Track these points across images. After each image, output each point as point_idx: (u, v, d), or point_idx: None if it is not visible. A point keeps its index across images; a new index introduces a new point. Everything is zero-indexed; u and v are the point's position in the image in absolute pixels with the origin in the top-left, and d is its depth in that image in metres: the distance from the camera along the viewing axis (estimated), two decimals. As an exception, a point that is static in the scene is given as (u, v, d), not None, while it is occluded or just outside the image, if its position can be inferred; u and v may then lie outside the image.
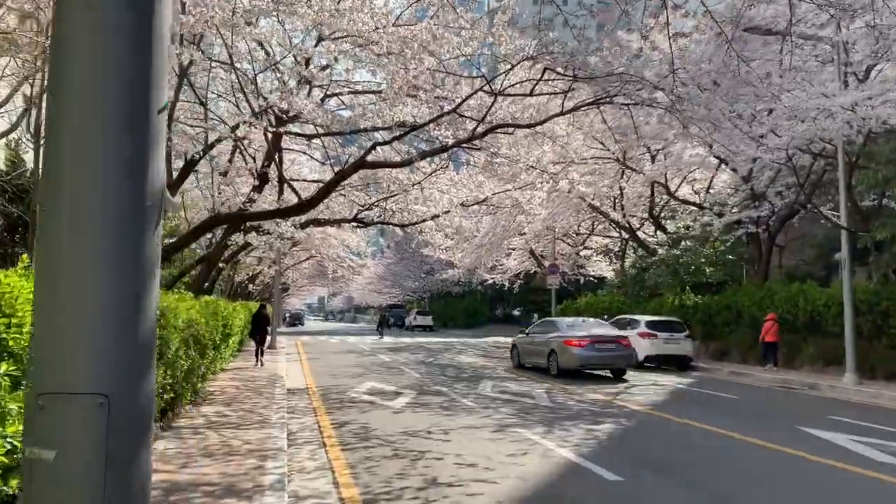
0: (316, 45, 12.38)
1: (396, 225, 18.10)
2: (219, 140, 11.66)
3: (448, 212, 17.15)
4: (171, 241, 12.04)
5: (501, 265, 47.06)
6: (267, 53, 10.82)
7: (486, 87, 10.40)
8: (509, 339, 43.73)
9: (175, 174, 11.31)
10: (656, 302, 31.67)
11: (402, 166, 12.16)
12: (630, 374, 21.64)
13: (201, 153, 11.04)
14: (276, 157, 13.29)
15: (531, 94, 10.59)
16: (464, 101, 10.94)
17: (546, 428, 11.30)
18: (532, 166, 13.43)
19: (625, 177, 27.07)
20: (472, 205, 18.31)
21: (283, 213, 12.77)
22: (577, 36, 8.51)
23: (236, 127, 10.89)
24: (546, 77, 10.25)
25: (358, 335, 52.74)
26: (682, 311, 28.39)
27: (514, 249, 43.53)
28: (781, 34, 18.27)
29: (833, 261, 32.03)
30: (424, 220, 17.50)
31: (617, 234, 38.75)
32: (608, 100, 10.56)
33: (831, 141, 19.54)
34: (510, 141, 13.31)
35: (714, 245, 28.42)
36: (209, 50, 10.73)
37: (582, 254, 43.15)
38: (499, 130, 11.74)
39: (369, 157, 11.50)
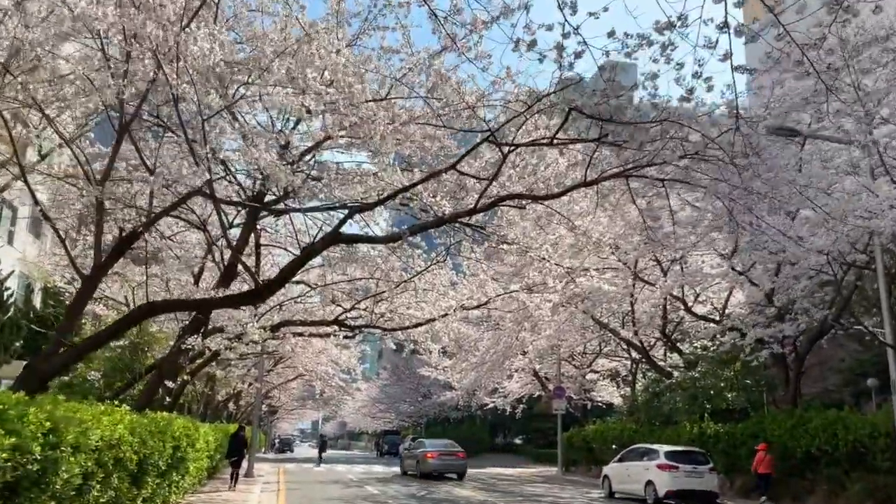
0: (294, 127, 10.88)
1: (386, 330, 15.97)
2: (164, 214, 9.81)
3: (446, 315, 15.09)
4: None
5: (503, 388, 44.31)
6: (232, 114, 9.14)
7: (494, 142, 8.69)
8: (511, 471, 40.58)
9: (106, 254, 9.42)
10: (672, 430, 28.95)
11: (389, 242, 10.29)
12: (651, 514, 19.00)
13: (140, 228, 9.14)
14: (245, 242, 11.46)
15: (552, 144, 8.75)
16: (466, 154, 9.14)
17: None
18: (544, 258, 11.52)
19: (636, 288, 25.06)
20: (475, 308, 16.27)
21: (236, 300, 10.70)
22: (607, 78, 6.89)
23: (187, 197, 9.11)
24: (563, 137, 8.52)
25: (348, 463, 49.23)
26: (702, 440, 25.72)
27: (516, 371, 40.99)
28: (805, 136, 16.96)
29: (863, 387, 29.68)
30: (419, 325, 15.40)
31: (627, 356, 36.41)
32: (639, 170, 8.82)
33: (866, 249, 17.88)
34: (517, 233, 11.45)
35: (735, 368, 26.08)
36: (158, 106, 9.16)
37: (588, 377, 40.60)
38: (508, 203, 9.93)
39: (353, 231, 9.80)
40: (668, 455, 21.97)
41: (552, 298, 14.85)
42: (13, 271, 21.18)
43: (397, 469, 40.75)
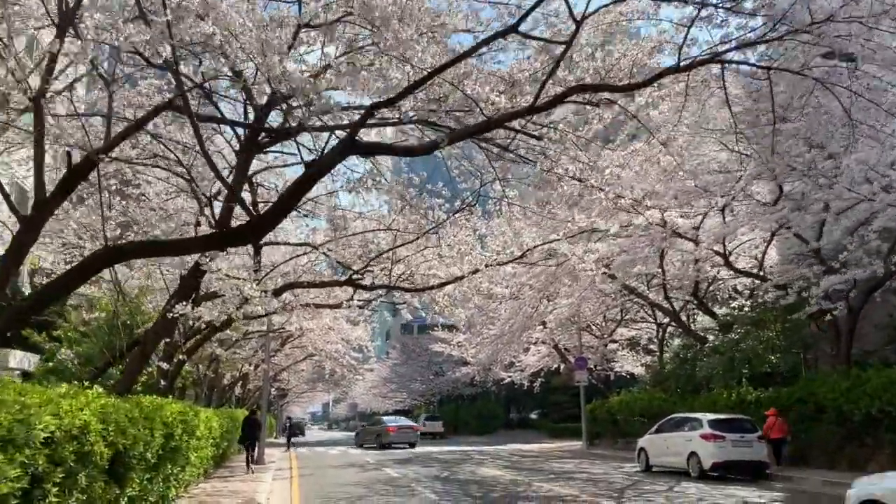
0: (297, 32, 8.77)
1: (406, 290, 13.96)
2: (127, 134, 7.74)
3: (477, 272, 13.08)
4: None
5: (519, 362, 42.59)
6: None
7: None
8: (531, 447, 38.98)
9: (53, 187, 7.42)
10: (706, 398, 27.26)
11: (421, 153, 8.20)
12: (699, 488, 17.39)
13: (96, 155, 7.13)
14: (241, 179, 9.40)
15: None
16: (534, 7, 7.10)
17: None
18: (600, 188, 9.46)
19: (668, 243, 22.66)
20: (510, 262, 14.25)
21: (221, 239, 8.71)
22: None
23: (155, 113, 7.21)
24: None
25: (362, 446, 47.67)
26: (742, 407, 23.95)
27: (533, 343, 39.23)
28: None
29: (909, 344, 27.77)
30: (446, 284, 13.43)
31: (652, 321, 34.55)
32: (744, 49, 6.82)
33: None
34: (577, 153, 9.15)
35: (776, 328, 24.20)
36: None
37: (609, 346, 38.81)
38: (576, 100, 7.89)
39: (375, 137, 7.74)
40: (713, 424, 20.25)
41: (598, 248, 12.95)
42: (-12, 250, 19.30)
43: (414, 449, 39.33)
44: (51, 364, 16.53)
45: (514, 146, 8.92)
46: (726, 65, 7.38)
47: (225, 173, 14.42)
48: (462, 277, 13.24)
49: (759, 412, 23.16)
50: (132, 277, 18.00)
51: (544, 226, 14.24)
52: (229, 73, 8.01)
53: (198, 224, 15.25)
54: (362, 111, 7.40)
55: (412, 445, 39.91)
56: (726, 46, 7.07)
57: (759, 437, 20.10)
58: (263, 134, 9.36)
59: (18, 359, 21.66)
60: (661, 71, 7.43)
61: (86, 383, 8.09)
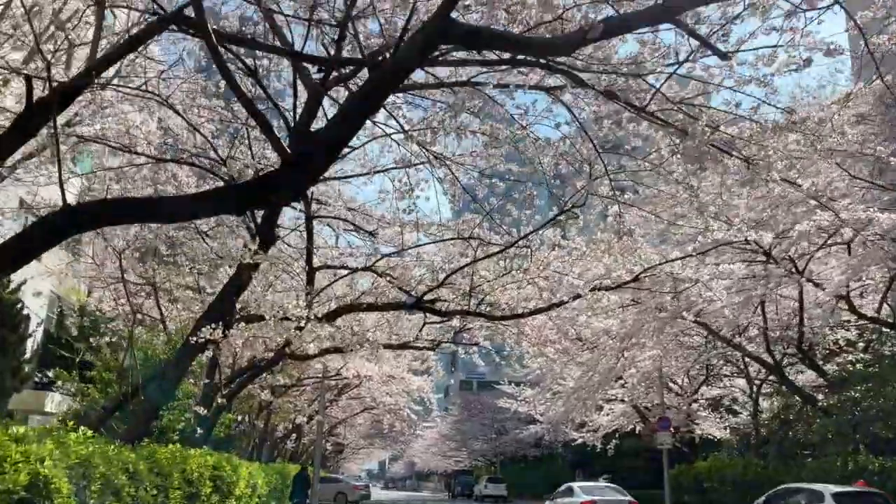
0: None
1: (491, 318, 11.47)
2: (116, 57, 5.55)
3: (578, 297, 10.56)
4: None
5: (592, 421, 39.34)
6: None
7: None
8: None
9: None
10: (814, 465, 23.85)
11: (558, 51, 5.48)
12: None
13: (83, 77, 5.07)
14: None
15: None
16: None
17: None
18: (777, 179, 6.57)
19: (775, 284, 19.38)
20: (615, 288, 11.63)
21: (243, 192, 5.99)
22: None
23: (162, 23, 5.14)
24: None
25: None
26: (861, 478, 20.58)
27: (607, 401, 36.08)
28: None
29: None
30: (539, 311, 11.03)
31: (742, 377, 31.16)
32: None
33: None
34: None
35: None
36: None
37: (693, 406, 35.37)
38: None
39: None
40: (838, 497, 17.07)
41: (733, 269, 10.47)
42: (24, 281, 18.05)
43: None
44: (77, 408, 14.91)
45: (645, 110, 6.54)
46: None
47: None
48: (560, 304, 10.80)
49: (886, 485, 19.81)
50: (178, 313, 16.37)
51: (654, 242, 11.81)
52: None
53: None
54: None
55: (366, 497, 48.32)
56: None
57: (896, 515, 16.88)
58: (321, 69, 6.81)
59: (56, 402, 20.14)
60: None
61: (76, 426, 6.10)
